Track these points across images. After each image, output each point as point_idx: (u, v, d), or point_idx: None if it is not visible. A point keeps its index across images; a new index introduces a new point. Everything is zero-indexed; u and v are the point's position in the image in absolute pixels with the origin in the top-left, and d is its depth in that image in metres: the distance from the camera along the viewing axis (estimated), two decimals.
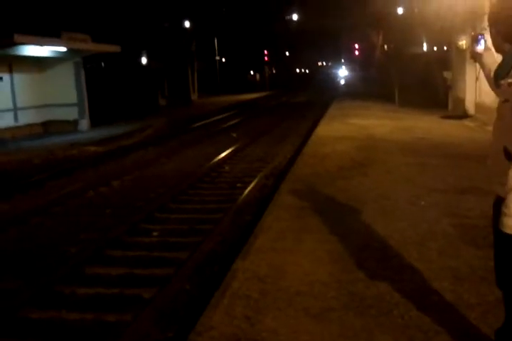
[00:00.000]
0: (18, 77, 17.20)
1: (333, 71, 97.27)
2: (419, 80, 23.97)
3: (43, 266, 5.51)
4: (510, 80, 2.41)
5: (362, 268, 4.28)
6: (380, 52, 44.00)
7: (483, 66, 2.83)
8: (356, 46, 62.07)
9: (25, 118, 17.44)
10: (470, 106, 16.97)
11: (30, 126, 17.60)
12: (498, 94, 2.58)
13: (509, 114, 2.34)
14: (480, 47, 2.80)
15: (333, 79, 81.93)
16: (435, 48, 26.35)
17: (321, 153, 10.61)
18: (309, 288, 3.94)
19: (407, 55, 28.78)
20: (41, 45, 16.06)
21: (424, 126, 14.89)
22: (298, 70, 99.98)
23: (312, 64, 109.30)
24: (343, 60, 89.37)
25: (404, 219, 5.67)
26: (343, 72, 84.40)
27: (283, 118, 21.66)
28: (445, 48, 22.45)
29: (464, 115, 16.70)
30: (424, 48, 29.09)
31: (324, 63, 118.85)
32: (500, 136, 2.49)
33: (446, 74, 19.48)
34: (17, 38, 14.15)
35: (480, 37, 2.78)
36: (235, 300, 3.78)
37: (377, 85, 35.96)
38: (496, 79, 2.56)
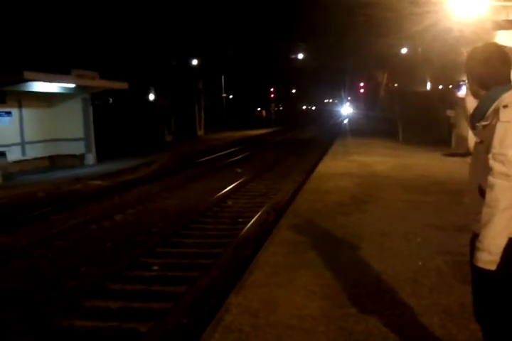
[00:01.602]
0: (27, 111, 17.56)
1: (338, 108, 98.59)
2: (423, 118, 24.24)
3: (43, 298, 5.59)
4: (484, 123, 2.56)
5: (353, 303, 4.34)
6: (384, 91, 44.66)
7: (464, 110, 2.98)
8: (361, 84, 63.11)
9: (33, 152, 17.72)
10: (472, 143, 17.05)
11: (37, 159, 17.85)
12: (474, 135, 2.73)
13: (483, 154, 2.48)
14: (461, 92, 2.96)
15: (337, 117, 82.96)
16: (440, 86, 26.72)
17: (322, 189, 10.72)
18: (299, 322, 4.00)
19: (411, 93, 29.24)
20: (50, 81, 16.45)
21: (426, 163, 14.99)
22: (304, 107, 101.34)
23: (318, 101, 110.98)
24: (348, 98, 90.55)
25: (400, 255, 5.75)
26: (347, 110, 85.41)
27: (287, 155, 21.88)
28: (450, 86, 22.78)
29: (466, 153, 16.68)
30: (428, 86, 29.55)
31: (330, 100, 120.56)
32: (475, 174, 2.63)
33: (449, 113, 19.72)
34: (26, 74, 14.55)
35: (461, 83, 2.95)
36: (227, 334, 3.85)
37: (381, 123, 36.33)
38: (472, 122, 2.72)
